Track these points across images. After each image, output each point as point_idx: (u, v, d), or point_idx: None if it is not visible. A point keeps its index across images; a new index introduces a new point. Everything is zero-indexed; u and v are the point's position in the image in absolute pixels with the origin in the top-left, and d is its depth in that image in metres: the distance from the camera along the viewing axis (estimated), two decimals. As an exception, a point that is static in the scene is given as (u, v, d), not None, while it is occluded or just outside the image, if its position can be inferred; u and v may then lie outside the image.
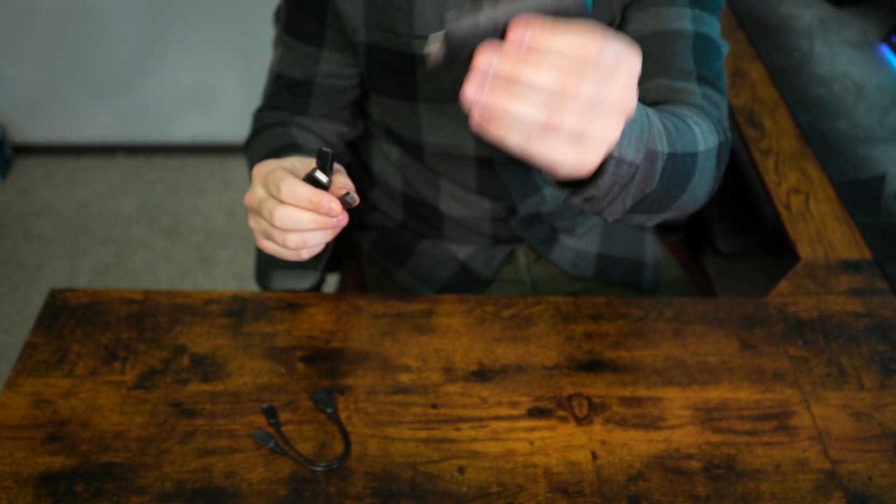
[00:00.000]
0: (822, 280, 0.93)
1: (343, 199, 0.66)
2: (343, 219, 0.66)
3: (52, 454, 0.75)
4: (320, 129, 0.96)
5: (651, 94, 0.81)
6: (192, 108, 2.32)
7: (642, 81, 0.81)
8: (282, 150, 0.84)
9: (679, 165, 0.67)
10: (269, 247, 0.70)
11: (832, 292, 0.92)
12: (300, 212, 0.65)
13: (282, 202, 0.65)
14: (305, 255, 0.69)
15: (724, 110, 0.81)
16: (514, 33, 0.48)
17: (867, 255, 0.96)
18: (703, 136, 0.72)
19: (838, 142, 1.12)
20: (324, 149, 0.65)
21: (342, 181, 0.67)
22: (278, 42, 0.94)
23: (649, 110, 0.64)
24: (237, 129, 2.26)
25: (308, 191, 0.65)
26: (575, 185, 0.60)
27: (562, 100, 0.47)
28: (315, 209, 0.65)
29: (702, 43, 0.82)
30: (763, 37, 1.32)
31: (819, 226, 1.00)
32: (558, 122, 0.48)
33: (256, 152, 0.88)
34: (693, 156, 0.69)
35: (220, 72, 2.24)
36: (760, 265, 1.65)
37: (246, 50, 2.18)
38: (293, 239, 0.67)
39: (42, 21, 2.12)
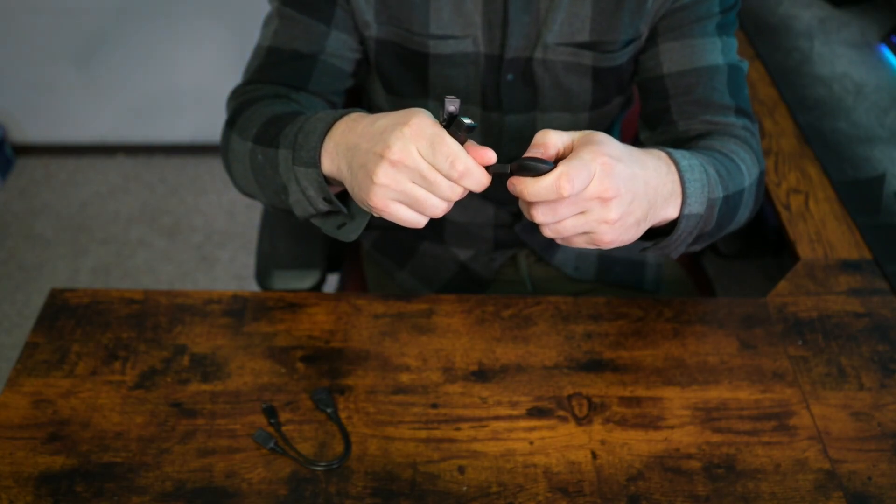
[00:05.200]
0: (822, 280, 0.93)
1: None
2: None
3: (53, 454, 0.75)
4: (313, 109, 0.87)
5: (697, 129, 0.88)
6: (192, 108, 2.32)
7: (689, 119, 0.89)
8: (290, 115, 0.77)
9: (731, 204, 0.79)
10: (401, 213, 0.65)
11: (832, 292, 0.92)
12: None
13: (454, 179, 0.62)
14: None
15: (758, 136, 0.90)
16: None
17: (867, 255, 0.96)
18: (748, 171, 0.83)
19: (838, 142, 1.12)
20: (452, 98, 0.61)
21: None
22: (274, 17, 0.89)
23: (705, 160, 0.75)
24: (237, 129, 2.26)
25: (482, 174, 0.62)
26: (650, 237, 0.75)
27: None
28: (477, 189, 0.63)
29: (733, 73, 0.89)
30: (763, 37, 1.32)
31: (819, 226, 1.00)
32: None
33: (253, 123, 0.80)
34: (741, 192, 0.81)
35: (220, 72, 2.24)
36: (760, 265, 1.65)
37: (246, 50, 2.18)
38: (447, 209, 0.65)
39: (42, 21, 2.12)
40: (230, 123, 0.85)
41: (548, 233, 0.65)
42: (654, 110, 0.91)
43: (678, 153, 0.73)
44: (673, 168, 0.71)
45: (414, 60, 0.90)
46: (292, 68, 0.88)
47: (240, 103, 0.86)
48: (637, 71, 0.94)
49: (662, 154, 0.71)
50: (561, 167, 0.61)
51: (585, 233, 0.65)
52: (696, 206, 0.72)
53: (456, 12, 0.86)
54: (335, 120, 0.70)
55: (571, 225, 0.64)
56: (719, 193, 0.76)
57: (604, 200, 0.63)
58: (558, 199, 0.62)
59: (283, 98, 0.85)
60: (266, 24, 0.91)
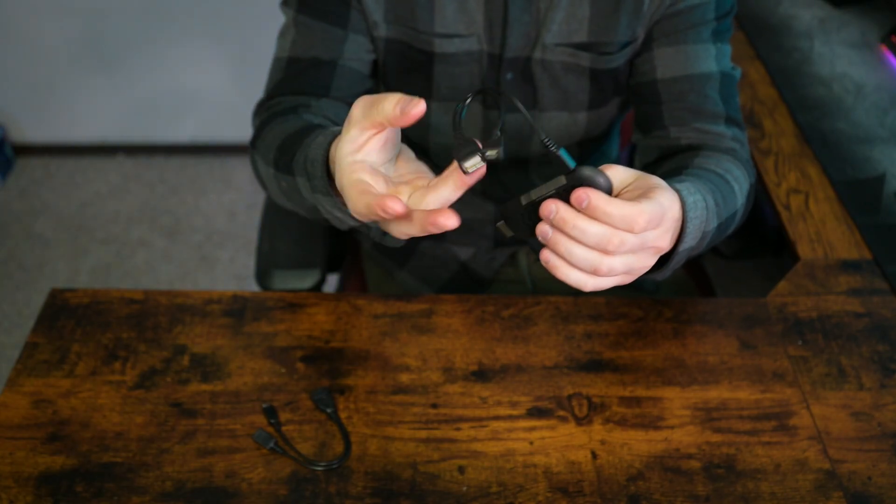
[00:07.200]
0: (822, 280, 0.93)
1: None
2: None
3: (53, 454, 0.75)
4: (336, 115, 0.87)
5: (689, 137, 0.88)
6: (192, 108, 2.32)
7: (681, 125, 0.89)
8: (297, 135, 0.76)
9: (723, 227, 0.78)
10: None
11: (832, 292, 0.92)
12: None
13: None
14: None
15: (747, 144, 0.92)
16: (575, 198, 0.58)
17: (867, 255, 0.96)
18: (741, 189, 0.82)
19: (838, 142, 1.12)
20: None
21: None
22: (290, 26, 0.89)
23: (705, 190, 0.73)
24: (237, 129, 2.26)
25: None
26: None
27: (608, 248, 0.58)
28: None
29: (726, 81, 0.89)
30: (763, 37, 1.32)
31: (819, 226, 1.00)
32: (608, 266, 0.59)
33: (269, 147, 0.80)
34: (733, 214, 0.80)
35: (220, 72, 2.24)
36: (760, 265, 1.65)
37: (246, 50, 2.18)
38: None
39: (43, 21, 2.12)
40: (253, 144, 0.86)
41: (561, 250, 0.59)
42: (646, 114, 0.92)
43: (685, 189, 0.69)
44: (677, 205, 0.67)
45: (419, 59, 0.91)
46: (313, 77, 0.88)
47: (262, 121, 0.86)
48: (631, 74, 0.94)
49: (674, 187, 0.68)
50: (644, 204, 0.59)
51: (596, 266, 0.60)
52: (690, 242, 0.70)
53: (459, 10, 0.87)
54: (329, 144, 0.68)
55: (620, 262, 0.60)
56: (713, 225, 0.74)
57: (658, 251, 0.63)
58: (627, 232, 0.59)
59: (301, 107, 0.85)
60: (282, 34, 0.91)
